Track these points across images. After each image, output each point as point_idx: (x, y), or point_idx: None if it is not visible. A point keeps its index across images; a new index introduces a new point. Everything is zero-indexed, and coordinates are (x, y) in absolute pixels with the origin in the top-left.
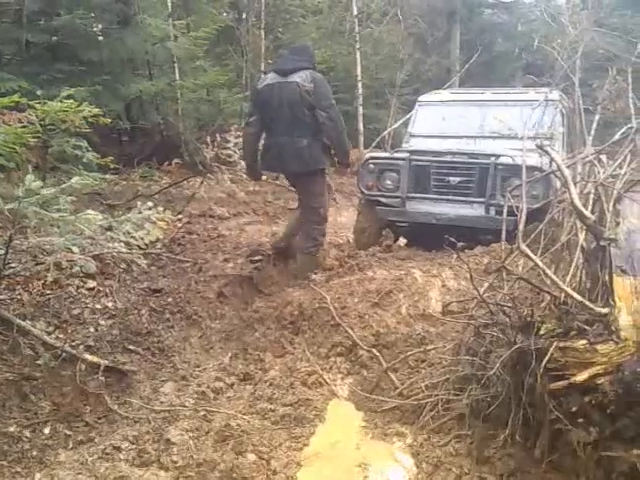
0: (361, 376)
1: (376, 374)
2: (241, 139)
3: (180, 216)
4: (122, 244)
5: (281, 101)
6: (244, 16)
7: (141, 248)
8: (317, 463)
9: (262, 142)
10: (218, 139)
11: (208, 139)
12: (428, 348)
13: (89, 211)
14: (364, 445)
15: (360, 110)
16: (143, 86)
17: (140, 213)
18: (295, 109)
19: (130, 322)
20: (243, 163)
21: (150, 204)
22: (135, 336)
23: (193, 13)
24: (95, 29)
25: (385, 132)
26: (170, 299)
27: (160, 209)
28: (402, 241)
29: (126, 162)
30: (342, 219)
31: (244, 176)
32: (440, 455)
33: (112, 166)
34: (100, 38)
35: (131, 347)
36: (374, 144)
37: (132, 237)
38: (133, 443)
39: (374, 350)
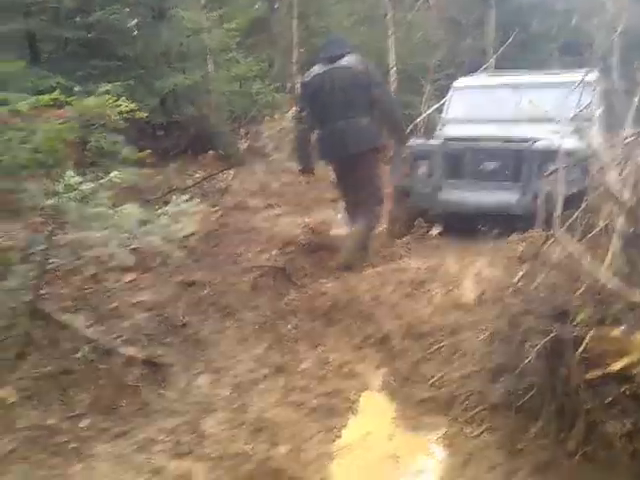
0: (394, 367)
1: (409, 365)
2: (273, 131)
3: (216, 208)
4: (159, 237)
5: (333, 86)
6: (276, 6)
7: (178, 241)
8: (349, 455)
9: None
10: (252, 131)
11: (242, 131)
12: (461, 338)
13: (127, 205)
14: (396, 436)
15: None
16: (177, 79)
17: (177, 206)
18: (349, 92)
19: (166, 315)
20: (275, 155)
21: (186, 197)
22: (171, 328)
23: (225, 5)
24: (130, 24)
25: (419, 119)
26: (205, 291)
27: (197, 201)
28: (436, 230)
29: (162, 156)
30: None
31: (278, 167)
32: (472, 447)
33: (148, 160)
34: (135, 33)
35: (167, 339)
36: (408, 131)
37: (169, 230)
38: (169, 435)
39: (407, 341)
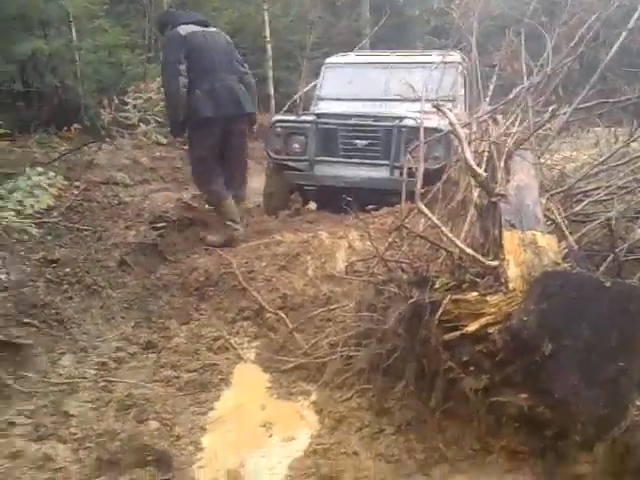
0: (268, 339)
1: (282, 336)
2: (139, 102)
3: (78, 183)
4: (12, 213)
5: (217, 47)
6: None
7: (36, 217)
8: (222, 426)
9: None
10: (116, 101)
11: (105, 101)
12: (333, 307)
13: None
14: (269, 405)
15: (270, 73)
16: (36, 46)
17: (29, 179)
18: (229, 56)
19: (25, 294)
20: (143, 126)
21: (40, 169)
22: (31, 309)
23: None
24: None
25: (296, 96)
26: (68, 269)
27: (52, 174)
28: (313, 205)
29: (21, 128)
30: (253, 184)
31: (145, 140)
32: (342, 410)
33: (4, 132)
34: None
35: (27, 320)
36: (285, 108)
37: (22, 205)
38: (29, 417)
39: (280, 312)
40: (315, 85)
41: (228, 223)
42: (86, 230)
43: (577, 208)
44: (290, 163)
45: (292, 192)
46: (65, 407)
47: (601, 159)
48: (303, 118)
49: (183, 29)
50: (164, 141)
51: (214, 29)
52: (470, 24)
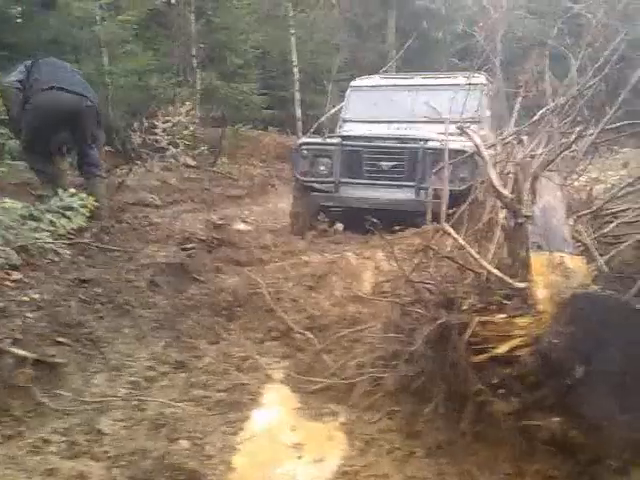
0: (296, 359)
1: (310, 356)
2: (169, 124)
3: (111, 204)
4: (47, 234)
5: None
6: (173, 0)
7: (69, 238)
8: (252, 446)
9: None
10: (145, 125)
11: (135, 125)
12: (360, 328)
13: (6, 200)
14: (299, 426)
15: (297, 96)
16: None
17: (62, 200)
18: None
19: (59, 314)
20: (173, 149)
21: (73, 190)
22: (64, 328)
23: None
24: (14, 11)
25: (322, 118)
26: (100, 289)
27: (83, 196)
28: (339, 226)
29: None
30: (283, 205)
31: (174, 162)
32: (372, 432)
33: None
34: (19, 20)
35: (60, 339)
36: (312, 130)
37: (55, 226)
38: (64, 435)
39: (308, 333)
40: (341, 107)
41: None
42: (117, 251)
43: (606, 229)
44: (316, 185)
45: (318, 213)
46: (98, 425)
47: (630, 180)
48: (328, 140)
49: None
50: (193, 163)
51: None
52: (494, 46)
